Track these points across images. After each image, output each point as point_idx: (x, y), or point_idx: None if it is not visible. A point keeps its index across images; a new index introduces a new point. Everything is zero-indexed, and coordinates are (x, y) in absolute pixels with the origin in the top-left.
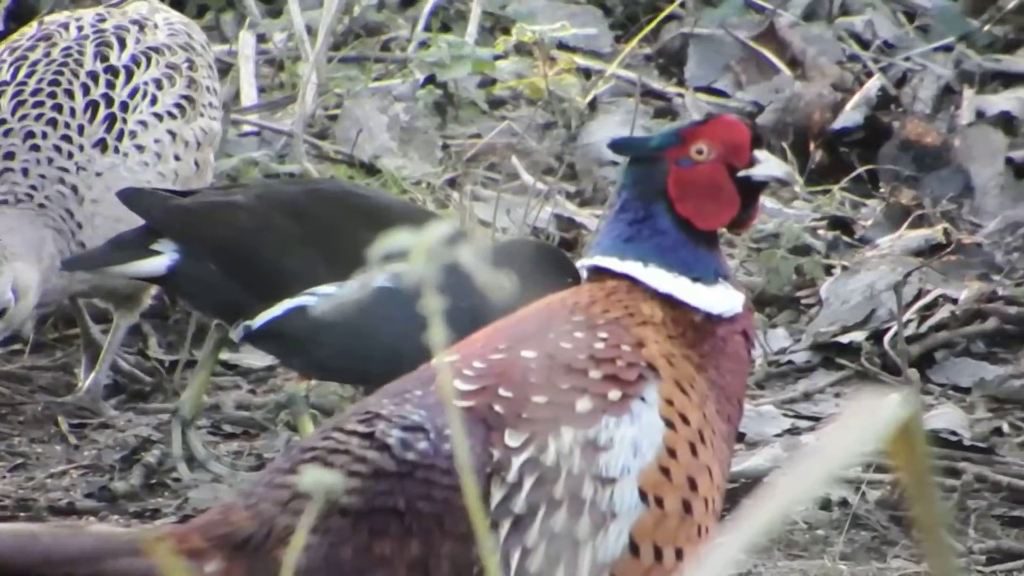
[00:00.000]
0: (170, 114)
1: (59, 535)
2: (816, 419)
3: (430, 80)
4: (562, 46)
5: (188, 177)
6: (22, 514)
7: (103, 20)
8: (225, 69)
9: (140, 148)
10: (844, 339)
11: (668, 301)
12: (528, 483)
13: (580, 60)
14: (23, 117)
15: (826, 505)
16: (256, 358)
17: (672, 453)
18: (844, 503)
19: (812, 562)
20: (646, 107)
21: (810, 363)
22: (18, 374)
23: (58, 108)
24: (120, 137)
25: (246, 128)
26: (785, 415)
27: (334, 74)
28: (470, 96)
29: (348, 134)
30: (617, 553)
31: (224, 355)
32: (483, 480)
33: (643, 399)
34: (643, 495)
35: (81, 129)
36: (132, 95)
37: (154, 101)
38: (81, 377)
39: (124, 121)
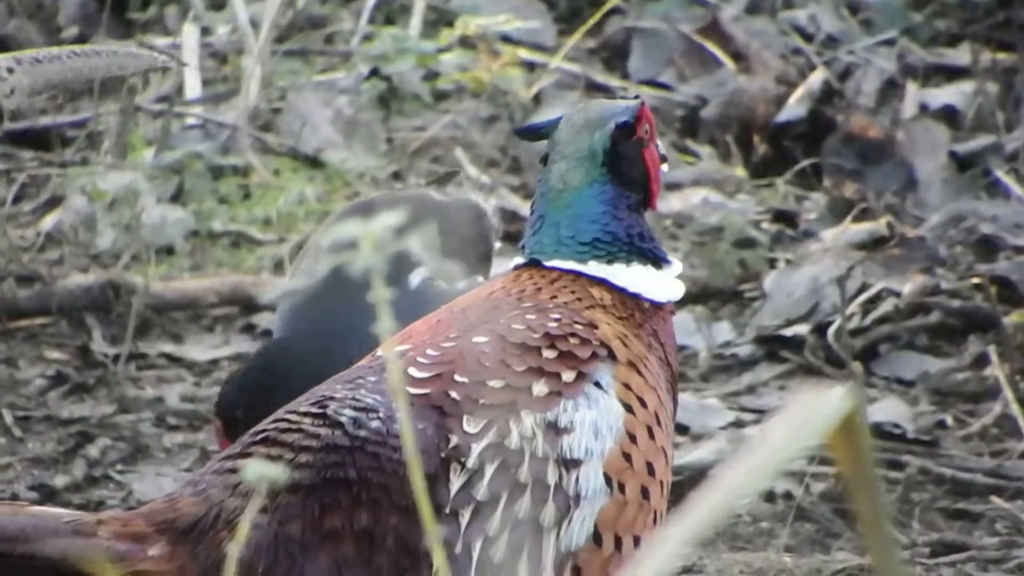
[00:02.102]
0: None
1: None
2: (760, 412)
3: (374, 73)
4: (506, 39)
5: None
6: None
7: None
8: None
9: None
10: (788, 332)
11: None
12: (490, 469)
13: (524, 53)
14: None
15: (770, 498)
16: (200, 351)
17: (632, 438)
18: (788, 496)
19: (756, 554)
20: (590, 100)
21: (754, 356)
22: None
23: None
24: None
25: (190, 121)
26: (729, 408)
27: (278, 67)
28: (414, 89)
29: (292, 127)
30: (582, 542)
31: (168, 348)
32: (437, 465)
33: (598, 383)
34: (608, 480)
35: None
36: None
37: None
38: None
39: None
